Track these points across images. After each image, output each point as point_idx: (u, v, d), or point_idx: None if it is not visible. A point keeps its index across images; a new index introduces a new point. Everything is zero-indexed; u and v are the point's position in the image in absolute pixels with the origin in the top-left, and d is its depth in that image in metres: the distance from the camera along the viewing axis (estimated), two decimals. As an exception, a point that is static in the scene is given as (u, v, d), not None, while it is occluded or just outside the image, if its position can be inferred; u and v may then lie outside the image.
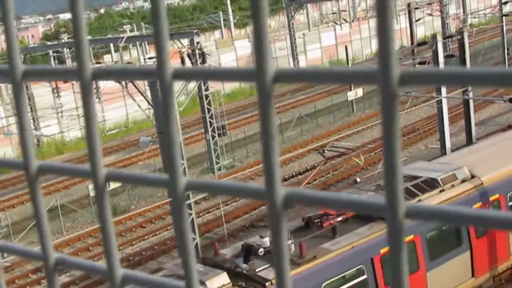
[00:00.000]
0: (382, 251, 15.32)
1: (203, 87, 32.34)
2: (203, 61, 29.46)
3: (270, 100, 0.66)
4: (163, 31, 0.70)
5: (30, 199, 0.93)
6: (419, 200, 16.16)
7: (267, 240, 15.03)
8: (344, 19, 58.24)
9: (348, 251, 15.01)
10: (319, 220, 15.92)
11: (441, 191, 17.12)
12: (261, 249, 14.89)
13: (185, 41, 30.75)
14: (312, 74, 0.66)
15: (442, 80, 0.64)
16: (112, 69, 0.80)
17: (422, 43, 38.65)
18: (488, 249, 17.75)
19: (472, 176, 17.79)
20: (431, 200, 16.31)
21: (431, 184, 17.14)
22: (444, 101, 25.46)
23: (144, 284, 0.82)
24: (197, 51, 29.81)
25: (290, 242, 14.65)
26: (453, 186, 17.37)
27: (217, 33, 77.80)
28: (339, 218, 15.80)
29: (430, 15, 54.63)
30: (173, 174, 0.74)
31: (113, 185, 24.14)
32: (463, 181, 17.60)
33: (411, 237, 15.85)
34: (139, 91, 23.15)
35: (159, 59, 0.72)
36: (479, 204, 17.38)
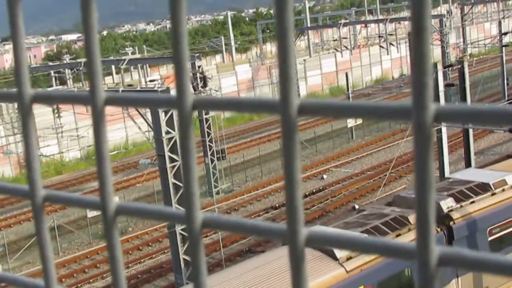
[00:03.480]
0: None
1: (203, 110, 32.34)
2: (204, 85, 29.58)
3: (295, 133, 0.63)
4: (184, 60, 0.67)
5: (35, 228, 0.89)
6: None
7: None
8: (345, 46, 58.51)
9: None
10: None
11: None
12: None
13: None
14: (339, 107, 0.63)
15: (475, 118, 0.60)
16: (126, 96, 0.77)
17: (423, 72, 38.76)
18: None
19: None
20: None
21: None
22: (444, 130, 25.46)
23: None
24: (198, 75, 29.91)
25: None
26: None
27: (218, 57, 78.17)
28: None
29: (431, 44, 54.86)
30: (189, 210, 0.70)
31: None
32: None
33: None
34: (139, 113, 23.16)
35: (178, 88, 0.68)
36: None
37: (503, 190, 18.32)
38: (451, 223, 16.97)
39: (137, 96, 0.77)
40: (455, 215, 17.18)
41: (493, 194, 18.13)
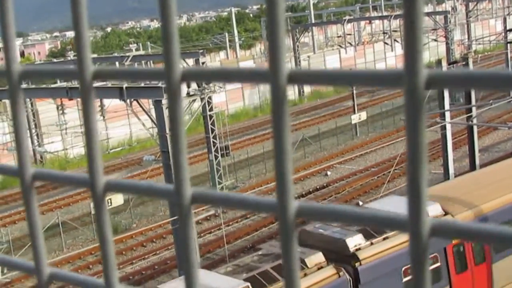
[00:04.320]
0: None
1: (207, 107, 32.37)
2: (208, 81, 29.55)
3: (285, 103, 0.61)
4: (172, 30, 0.66)
5: (24, 208, 0.88)
6: None
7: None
8: (349, 43, 58.43)
9: None
10: None
11: None
12: None
13: (191, 61, 30.89)
14: (329, 75, 0.61)
15: (468, 83, 0.59)
16: (116, 70, 0.75)
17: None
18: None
19: None
20: None
21: None
22: (448, 127, 25.40)
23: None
24: (202, 71, 29.88)
25: None
26: None
27: (222, 54, 78.15)
28: None
29: (435, 40, 54.85)
30: (179, 184, 0.68)
31: (115, 203, 24.04)
32: None
33: None
34: (143, 109, 23.16)
35: (167, 59, 0.67)
36: None
37: None
38: (357, 264, 14.81)
39: (126, 69, 0.75)
40: (362, 254, 14.94)
41: None
